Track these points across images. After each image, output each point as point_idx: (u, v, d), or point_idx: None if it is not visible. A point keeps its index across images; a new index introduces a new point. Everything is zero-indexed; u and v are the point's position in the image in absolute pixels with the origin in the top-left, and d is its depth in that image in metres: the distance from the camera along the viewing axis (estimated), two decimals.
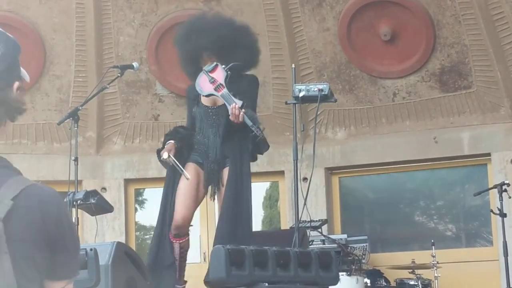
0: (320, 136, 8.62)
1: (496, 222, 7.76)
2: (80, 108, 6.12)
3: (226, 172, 5.70)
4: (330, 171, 8.86)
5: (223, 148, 5.74)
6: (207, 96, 5.76)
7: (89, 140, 8.91)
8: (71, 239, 1.91)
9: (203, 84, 5.74)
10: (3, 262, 1.83)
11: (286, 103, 6.41)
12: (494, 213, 7.08)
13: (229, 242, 5.15)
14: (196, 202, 5.84)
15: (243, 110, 5.51)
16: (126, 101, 8.94)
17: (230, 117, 5.54)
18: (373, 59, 8.60)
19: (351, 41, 8.56)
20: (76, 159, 6.08)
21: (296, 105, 6.14)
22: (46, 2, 8.63)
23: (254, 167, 8.92)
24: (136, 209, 9.23)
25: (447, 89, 8.49)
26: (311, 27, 8.64)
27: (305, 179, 7.40)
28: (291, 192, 7.15)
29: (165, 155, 5.68)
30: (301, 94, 5.83)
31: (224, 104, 5.67)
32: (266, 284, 4.80)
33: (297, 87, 5.91)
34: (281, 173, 8.86)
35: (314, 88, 5.84)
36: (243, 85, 5.79)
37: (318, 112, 8.65)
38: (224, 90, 5.65)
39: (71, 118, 6.05)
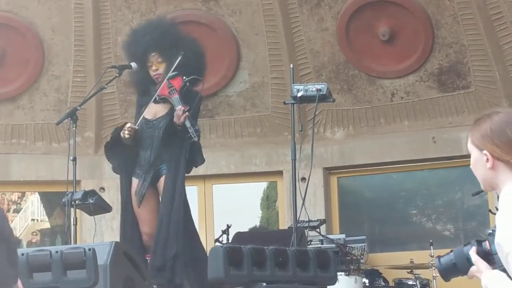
0: (318, 136, 8.62)
1: (494, 222, 7.75)
2: (79, 108, 6.12)
3: (162, 180, 5.94)
4: (329, 171, 8.86)
5: (159, 155, 5.97)
6: (159, 99, 6.01)
7: (88, 140, 8.91)
8: None
9: (161, 88, 5.99)
10: None
11: (284, 103, 6.42)
12: (492, 213, 7.08)
13: (164, 248, 5.59)
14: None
15: (187, 113, 5.74)
16: (124, 101, 8.93)
17: (174, 119, 5.78)
18: (371, 59, 8.60)
19: (349, 41, 8.56)
20: (74, 159, 6.09)
21: (295, 105, 6.14)
22: (44, 2, 8.62)
23: (252, 167, 8.99)
24: None
25: (446, 89, 8.49)
26: (310, 27, 8.64)
27: (303, 179, 7.39)
28: (290, 192, 7.15)
29: (127, 125, 5.97)
30: (299, 94, 5.84)
31: (161, 117, 5.99)
32: (264, 284, 4.80)
33: (295, 87, 5.92)
34: (280, 173, 8.86)
35: (312, 88, 5.85)
36: (189, 98, 5.97)
37: (317, 112, 8.67)
38: (176, 96, 5.91)
39: (69, 118, 6.06)
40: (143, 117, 6.02)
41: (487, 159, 2.49)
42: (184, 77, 5.94)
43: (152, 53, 6.03)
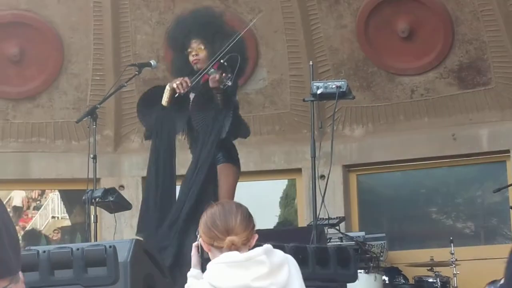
0: (337, 134, 8.60)
1: None
2: (98, 106, 6.15)
3: None
4: (348, 168, 8.84)
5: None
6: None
7: (107, 138, 8.94)
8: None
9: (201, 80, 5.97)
10: None
11: (303, 100, 6.41)
12: None
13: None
14: None
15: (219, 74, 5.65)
16: None
17: (210, 84, 5.68)
18: (390, 56, 8.57)
19: (368, 38, 8.54)
20: (94, 157, 6.11)
21: (314, 102, 6.13)
22: (64, 1, 8.66)
23: (271, 164, 8.98)
24: None
25: (466, 85, 8.44)
26: (328, 24, 8.62)
27: (322, 176, 7.37)
28: (309, 190, 7.14)
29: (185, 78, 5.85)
30: (319, 91, 5.83)
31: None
32: None
33: (314, 84, 5.90)
34: (299, 170, 8.84)
35: (332, 85, 5.83)
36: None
37: (336, 109, 8.66)
38: (212, 69, 5.83)
39: (89, 116, 6.08)
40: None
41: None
42: (221, 61, 5.85)
43: (194, 39, 6.02)
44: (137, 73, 6.36)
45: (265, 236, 6.68)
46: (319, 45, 8.67)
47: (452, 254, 7.23)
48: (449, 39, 8.32)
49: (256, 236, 3.12)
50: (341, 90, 5.78)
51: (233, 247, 2.97)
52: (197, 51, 6.01)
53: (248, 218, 3.11)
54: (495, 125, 8.32)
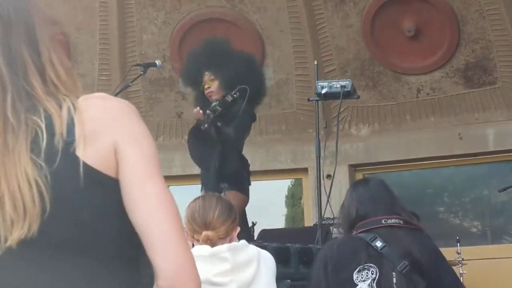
0: (343, 133, 8.59)
1: None
2: None
3: None
4: (354, 168, 8.83)
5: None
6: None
7: None
8: None
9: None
10: None
11: (308, 100, 6.40)
12: None
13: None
14: None
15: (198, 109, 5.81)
16: (150, 99, 8.96)
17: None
18: (397, 55, 8.56)
19: (374, 38, 8.53)
20: None
21: (319, 102, 6.12)
22: (70, 1, 8.67)
23: (278, 164, 8.97)
24: None
25: (472, 85, 8.42)
26: (334, 24, 8.61)
27: (328, 176, 7.37)
28: (315, 189, 7.14)
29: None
30: (323, 91, 5.82)
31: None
32: (289, 281, 4.79)
33: (319, 84, 5.89)
34: (305, 170, 8.84)
35: (337, 84, 5.82)
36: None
37: (341, 109, 8.63)
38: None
39: None
40: None
41: None
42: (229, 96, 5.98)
43: (205, 72, 6.17)
44: (142, 73, 6.37)
45: (271, 236, 6.69)
46: (325, 45, 8.66)
47: (459, 253, 7.21)
48: (455, 38, 8.31)
49: (238, 229, 3.15)
50: (345, 89, 5.77)
51: (208, 241, 3.02)
52: (209, 84, 6.17)
53: (227, 212, 3.14)
54: (501, 124, 8.30)
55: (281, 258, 4.77)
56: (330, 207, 6.09)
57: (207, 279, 2.90)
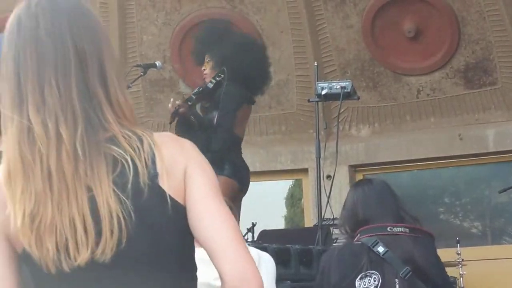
0: (344, 134, 8.60)
1: None
2: None
3: None
4: (354, 168, 8.83)
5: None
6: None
7: None
8: None
9: None
10: None
11: (308, 101, 6.41)
12: None
13: None
14: None
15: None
16: (150, 99, 8.96)
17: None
18: (397, 56, 8.56)
19: (374, 38, 8.53)
20: None
21: (319, 102, 6.13)
22: None
23: (278, 164, 8.97)
24: None
25: (472, 85, 8.43)
26: (335, 24, 8.61)
27: (328, 176, 7.38)
28: (315, 190, 7.14)
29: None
30: (323, 92, 5.83)
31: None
32: (289, 282, 4.80)
33: (319, 84, 5.90)
34: (305, 170, 8.84)
35: (337, 85, 5.83)
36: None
37: (342, 110, 8.63)
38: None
39: None
40: None
41: None
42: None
43: (206, 53, 6.10)
44: (142, 74, 6.37)
45: (271, 237, 6.70)
46: (325, 45, 8.67)
47: (459, 254, 7.21)
48: (455, 39, 8.31)
49: None
50: (345, 90, 5.78)
51: None
52: (205, 66, 6.09)
53: None
54: (502, 125, 8.30)
55: (281, 259, 4.78)
56: (330, 207, 6.10)
57: (207, 282, 2.90)
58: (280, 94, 8.90)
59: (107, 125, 1.74)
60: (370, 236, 3.61)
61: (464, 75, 8.42)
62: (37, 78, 1.71)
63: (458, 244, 7.23)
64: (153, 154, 1.74)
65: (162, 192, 1.74)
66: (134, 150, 1.73)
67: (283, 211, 9.65)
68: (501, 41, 8.16)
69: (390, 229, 3.62)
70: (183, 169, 1.78)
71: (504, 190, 7.23)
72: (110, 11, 8.67)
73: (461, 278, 7.21)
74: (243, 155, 8.83)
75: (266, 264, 3.17)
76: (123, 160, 1.71)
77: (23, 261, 1.75)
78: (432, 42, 8.40)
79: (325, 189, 5.86)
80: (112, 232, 1.69)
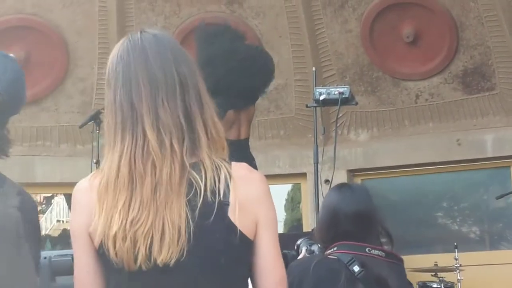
0: (342, 138, 8.61)
1: None
2: (102, 111, 6.14)
3: None
4: (353, 173, 8.84)
5: None
6: None
7: None
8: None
9: None
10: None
11: (307, 106, 6.42)
12: None
13: None
14: None
15: None
16: None
17: None
18: (395, 60, 8.57)
19: (373, 43, 8.54)
20: (97, 162, 6.13)
21: (318, 107, 6.14)
22: (69, 5, 8.68)
23: (276, 169, 8.97)
24: None
25: (470, 91, 8.43)
26: (333, 29, 8.62)
27: (327, 181, 7.38)
28: (313, 194, 7.15)
29: None
30: (321, 97, 5.84)
31: None
32: None
33: (317, 90, 5.91)
34: (303, 175, 8.85)
35: (335, 91, 5.84)
36: None
37: (340, 115, 8.63)
38: None
39: (93, 121, 6.09)
40: None
41: None
42: None
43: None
44: None
45: None
46: (324, 50, 8.67)
47: (457, 259, 7.22)
48: (453, 44, 8.32)
49: None
50: (343, 96, 5.79)
51: None
52: None
53: None
54: (500, 130, 8.31)
55: None
56: None
57: None
58: (279, 99, 8.91)
59: (198, 144, 2.02)
60: (347, 252, 3.58)
61: (463, 80, 8.43)
62: (150, 101, 2.00)
63: (456, 249, 7.25)
64: (228, 185, 1.99)
65: (228, 221, 2.00)
66: (211, 179, 1.98)
67: (282, 215, 9.66)
68: (499, 46, 8.17)
69: (369, 250, 3.60)
70: (256, 217, 2.06)
71: (502, 196, 7.25)
72: (109, 15, 8.68)
73: (459, 283, 7.22)
74: None
75: None
76: (196, 186, 1.97)
77: (99, 257, 2.03)
78: (431, 47, 8.41)
79: (322, 194, 5.86)
80: (178, 242, 1.96)
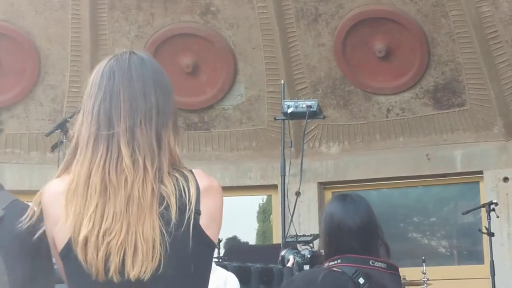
0: (313, 151, 8.63)
1: (487, 240, 7.74)
2: (69, 119, 6.13)
3: None
4: (323, 185, 8.86)
5: None
6: None
7: None
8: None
9: None
10: None
11: (275, 119, 6.43)
12: (482, 232, 7.06)
13: None
14: None
15: None
16: None
17: None
18: (367, 75, 8.61)
19: (346, 57, 8.57)
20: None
21: (288, 120, 6.15)
22: (42, 13, 8.65)
23: (247, 180, 8.97)
24: None
25: (441, 106, 8.49)
26: (307, 42, 8.65)
27: (297, 193, 7.39)
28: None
29: None
30: (289, 110, 5.85)
31: None
32: None
33: (286, 103, 5.92)
34: (275, 187, 8.85)
35: (303, 104, 5.85)
36: None
37: (312, 127, 8.68)
38: None
39: (59, 130, 6.06)
40: None
41: None
42: None
43: None
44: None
45: (238, 253, 6.67)
46: (297, 63, 8.69)
47: (424, 273, 7.24)
48: (425, 60, 8.37)
49: None
50: (311, 109, 5.80)
51: None
52: None
53: None
54: (469, 146, 8.37)
55: (241, 278, 4.77)
56: (297, 225, 6.12)
57: None
58: (251, 110, 8.92)
59: (164, 166, 2.07)
60: (351, 265, 3.59)
61: (433, 95, 8.48)
62: (129, 119, 2.06)
63: (424, 263, 7.27)
64: (198, 194, 2.06)
65: (200, 229, 2.04)
66: (180, 190, 2.04)
67: (255, 225, 9.66)
68: (470, 63, 8.23)
69: (372, 262, 3.61)
70: (218, 221, 2.14)
71: (468, 212, 7.29)
72: (82, 23, 8.65)
73: None
74: (213, 170, 8.86)
75: (231, 285, 3.19)
76: (167, 199, 2.01)
77: (62, 259, 2.05)
78: (402, 62, 8.45)
79: (288, 207, 5.87)
80: (153, 257, 1.98)
